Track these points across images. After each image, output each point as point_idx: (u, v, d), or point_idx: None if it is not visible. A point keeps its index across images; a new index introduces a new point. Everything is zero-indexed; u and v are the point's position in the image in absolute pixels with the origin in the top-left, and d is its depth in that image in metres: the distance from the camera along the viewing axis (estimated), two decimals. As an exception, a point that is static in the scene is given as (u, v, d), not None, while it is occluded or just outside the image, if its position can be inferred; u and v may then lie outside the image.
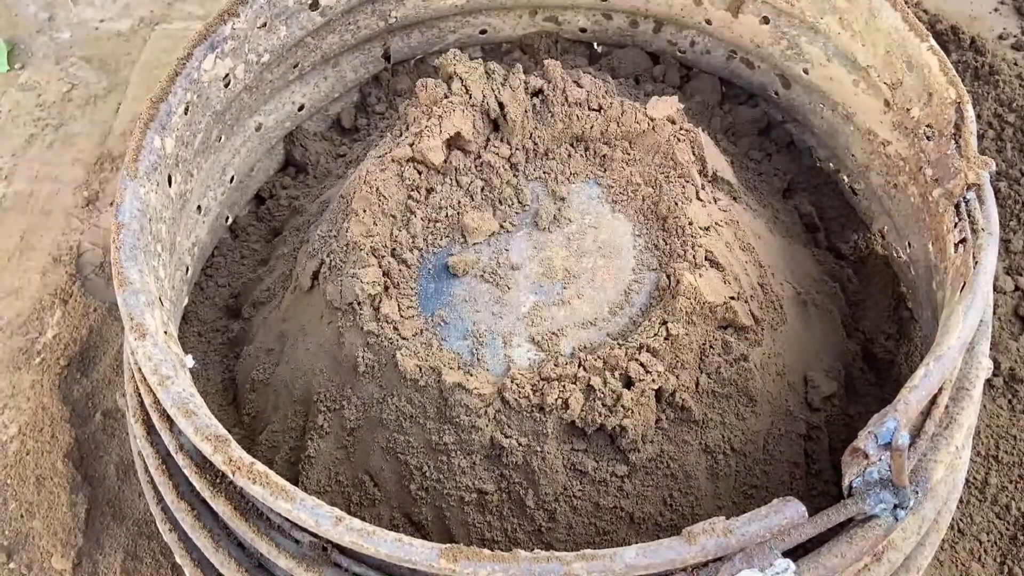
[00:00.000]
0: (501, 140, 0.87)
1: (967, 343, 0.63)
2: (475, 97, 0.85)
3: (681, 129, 0.86)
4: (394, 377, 0.74)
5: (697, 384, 0.74)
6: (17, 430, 1.02)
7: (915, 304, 0.90)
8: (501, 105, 0.85)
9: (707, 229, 0.81)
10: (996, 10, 1.38)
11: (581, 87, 0.88)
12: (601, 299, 0.78)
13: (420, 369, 0.73)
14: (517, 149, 0.87)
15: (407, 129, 0.86)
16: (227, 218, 0.98)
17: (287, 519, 0.59)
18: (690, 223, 0.80)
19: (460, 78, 0.85)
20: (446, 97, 0.85)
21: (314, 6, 0.95)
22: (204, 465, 0.63)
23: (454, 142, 0.85)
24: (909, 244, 0.87)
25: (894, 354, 0.90)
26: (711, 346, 0.75)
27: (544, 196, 0.86)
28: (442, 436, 0.73)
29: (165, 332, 0.69)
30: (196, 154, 0.85)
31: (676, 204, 0.81)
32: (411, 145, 0.84)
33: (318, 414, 0.77)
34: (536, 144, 0.87)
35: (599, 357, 0.73)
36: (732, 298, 0.77)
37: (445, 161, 0.85)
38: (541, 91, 0.87)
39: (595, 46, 1.11)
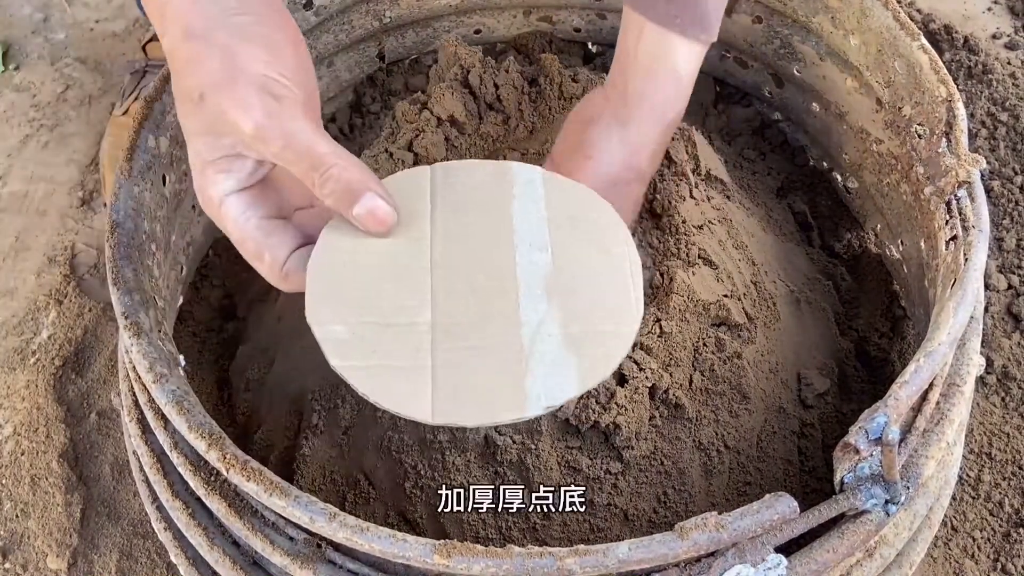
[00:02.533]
0: (495, 123, 0.87)
1: (957, 339, 0.63)
2: (471, 82, 0.85)
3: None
4: (388, 375, 0.74)
5: (691, 381, 0.75)
6: (12, 430, 1.02)
7: (908, 302, 0.90)
8: (496, 86, 0.85)
9: (700, 227, 0.81)
10: (989, 9, 1.39)
11: (577, 82, 0.88)
12: (595, 297, 0.79)
13: (414, 367, 0.73)
14: (514, 129, 0.87)
15: (398, 128, 0.86)
16: (222, 218, 0.98)
17: (281, 516, 0.59)
18: (683, 221, 0.80)
19: (460, 60, 0.85)
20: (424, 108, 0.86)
21: (308, 6, 0.96)
22: (198, 463, 0.63)
23: (452, 122, 0.86)
24: (901, 242, 0.88)
25: (887, 352, 0.90)
26: (704, 343, 0.75)
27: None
28: (436, 434, 0.73)
29: (160, 331, 0.69)
30: (191, 154, 0.85)
31: (670, 202, 0.82)
32: (409, 145, 0.84)
33: (312, 413, 0.77)
34: (531, 134, 0.87)
35: (593, 355, 0.73)
36: (725, 296, 0.78)
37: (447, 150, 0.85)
38: (536, 82, 0.87)
39: (589, 46, 1.12)
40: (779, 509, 0.55)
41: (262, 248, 0.56)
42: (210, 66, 0.52)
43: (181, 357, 0.69)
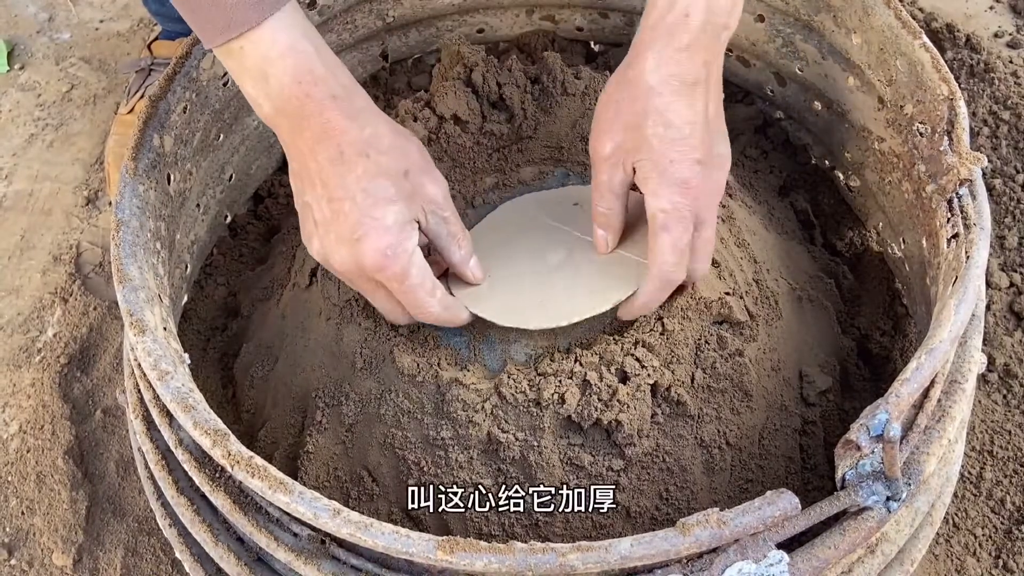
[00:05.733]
0: (499, 122, 0.87)
1: (959, 336, 0.63)
2: (474, 81, 0.86)
3: (677, 127, 0.86)
4: (392, 373, 0.75)
5: (692, 379, 0.75)
6: (18, 428, 1.03)
7: (910, 300, 0.90)
8: (499, 85, 0.86)
9: (702, 226, 0.82)
10: (991, 8, 1.39)
11: (579, 80, 0.88)
12: (597, 295, 0.79)
13: (418, 365, 0.74)
14: (518, 128, 0.87)
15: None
16: (226, 216, 0.99)
17: (285, 512, 0.60)
18: (686, 220, 0.80)
19: (463, 59, 0.86)
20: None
21: (312, 5, 0.96)
22: (203, 460, 0.64)
23: (456, 121, 0.86)
24: (903, 240, 0.88)
25: (889, 350, 0.90)
26: (706, 341, 0.76)
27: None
28: (439, 431, 0.73)
29: (164, 328, 0.70)
30: (195, 152, 0.86)
31: (672, 201, 0.82)
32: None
33: (316, 410, 0.78)
34: (535, 132, 0.88)
35: (595, 352, 0.73)
36: (727, 293, 0.78)
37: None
38: (539, 80, 0.88)
39: (592, 45, 1.12)
40: (781, 506, 0.55)
41: (436, 286, 0.72)
42: (412, 151, 0.71)
43: (186, 356, 0.70)
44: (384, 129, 0.69)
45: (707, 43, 0.68)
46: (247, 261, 1.00)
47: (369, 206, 0.67)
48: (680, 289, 0.75)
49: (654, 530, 0.55)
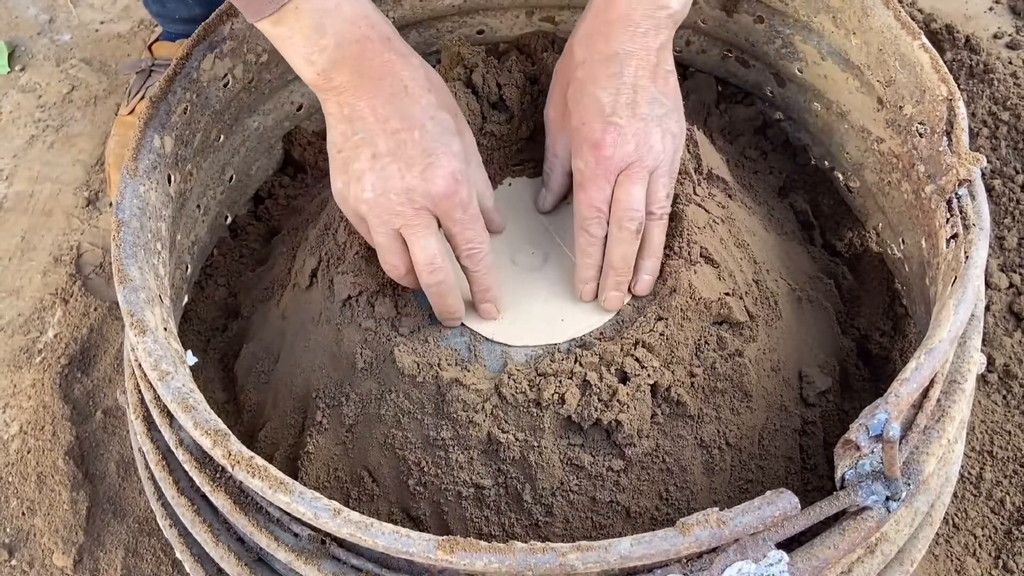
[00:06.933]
0: (499, 122, 0.87)
1: (958, 336, 0.63)
2: (475, 81, 0.86)
3: (677, 127, 0.86)
4: (392, 373, 0.75)
5: (692, 379, 0.75)
6: (18, 428, 1.03)
7: (909, 300, 0.90)
8: (499, 86, 0.86)
9: (702, 226, 0.82)
10: (991, 9, 1.39)
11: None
12: (597, 295, 0.79)
13: (418, 365, 0.74)
14: (517, 128, 0.88)
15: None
16: (226, 217, 0.99)
17: (286, 512, 0.60)
18: (686, 220, 0.81)
19: (463, 60, 0.86)
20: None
21: (312, 7, 0.96)
22: (204, 460, 0.64)
23: None
24: (903, 241, 0.88)
25: (889, 350, 0.91)
26: (706, 342, 0.76)
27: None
28: (440, 431, 0.73)
29: (165, 329, 0.70)
30: (195, 153, 0.86)
31: (672, 201, 0.82)
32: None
33: (317, 411, 0.78)
34: (535, 133, 0.88)
35: (595, 352, 0.74)
36: (727, 294, 0.78)
37: None
38: (539, 80, 0.88)
39: (592, 46, 1.12)
40: (780, 505, 0.56)
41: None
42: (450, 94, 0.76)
43: (190, 353, 0.70)
44: (431, 70, 0.74)
45: (637, 21, 0.73)
46: (247, 262, 1.00)
47: (438, 133, 0.70)
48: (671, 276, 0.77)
49: (654, 530, 0.55)
